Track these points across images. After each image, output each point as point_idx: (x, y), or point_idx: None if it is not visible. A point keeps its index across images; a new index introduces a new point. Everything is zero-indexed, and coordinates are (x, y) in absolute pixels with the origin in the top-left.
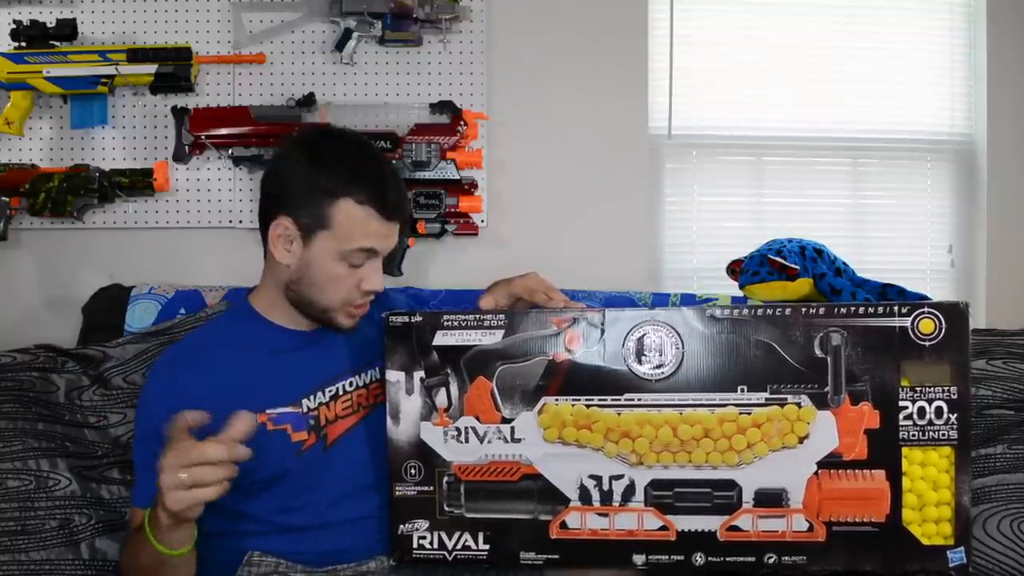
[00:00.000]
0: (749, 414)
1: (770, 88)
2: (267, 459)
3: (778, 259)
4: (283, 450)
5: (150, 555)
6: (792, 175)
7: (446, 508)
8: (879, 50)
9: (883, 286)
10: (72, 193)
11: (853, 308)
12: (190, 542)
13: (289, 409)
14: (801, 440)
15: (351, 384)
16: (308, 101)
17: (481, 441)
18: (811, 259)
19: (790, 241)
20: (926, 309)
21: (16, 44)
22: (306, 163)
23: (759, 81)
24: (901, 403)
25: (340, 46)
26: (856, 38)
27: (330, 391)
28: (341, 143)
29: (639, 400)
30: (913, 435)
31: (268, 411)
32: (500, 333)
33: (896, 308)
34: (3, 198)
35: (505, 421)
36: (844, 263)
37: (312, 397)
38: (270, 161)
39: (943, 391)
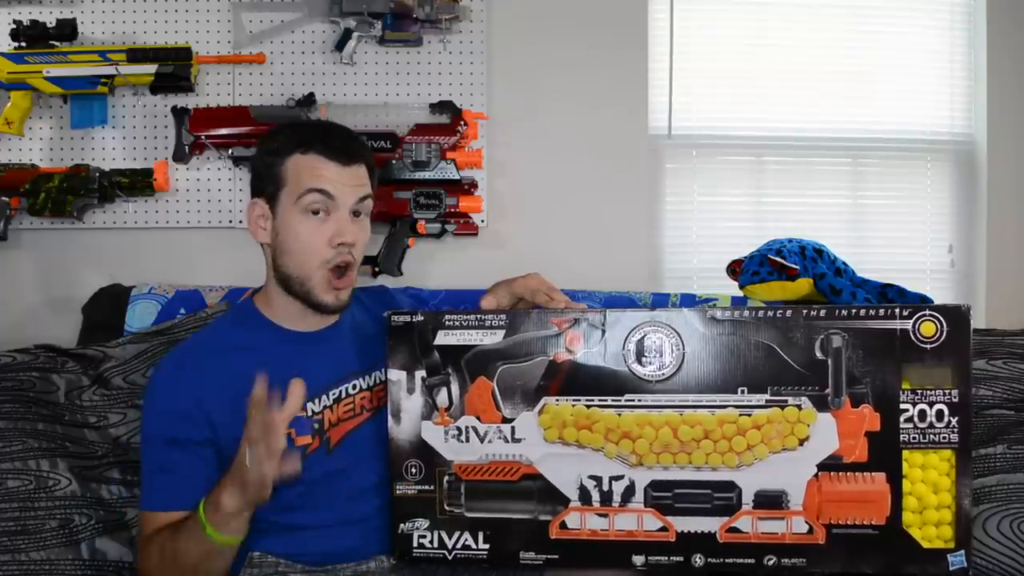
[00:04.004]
0: (749, 416)
1: (770, 88)
2: None
3: (778, 259)
4: (287, 454)
5: (201, 546)
6: (792, 175)
7: (446, 507)
8: (879, 50)
9: (883, 286)
10: (72, 193)
11: (854, 310)
12: (245, 530)
13: None
14: (801, 442)
15: (355, 387)
16: (308, 101)
17: (482, 441)
18: (811, 259)
19: (790, 241)
20: (927, 312)
21: (16, 44)
22: (262, 145)
23: (759, 81)
24: (902, 406)
25: (340, 46)
26: (856, 38)
27: (334, 394)
28: (291, 122)
29: (639, 401)
30: (914, 438)
31: None
32: (501, 333)
33: (897, 310)
34: (3, 198)
35: (506, 421)
36: (844, 263)
37: (317, 401)
38: None
39: (944, 394)
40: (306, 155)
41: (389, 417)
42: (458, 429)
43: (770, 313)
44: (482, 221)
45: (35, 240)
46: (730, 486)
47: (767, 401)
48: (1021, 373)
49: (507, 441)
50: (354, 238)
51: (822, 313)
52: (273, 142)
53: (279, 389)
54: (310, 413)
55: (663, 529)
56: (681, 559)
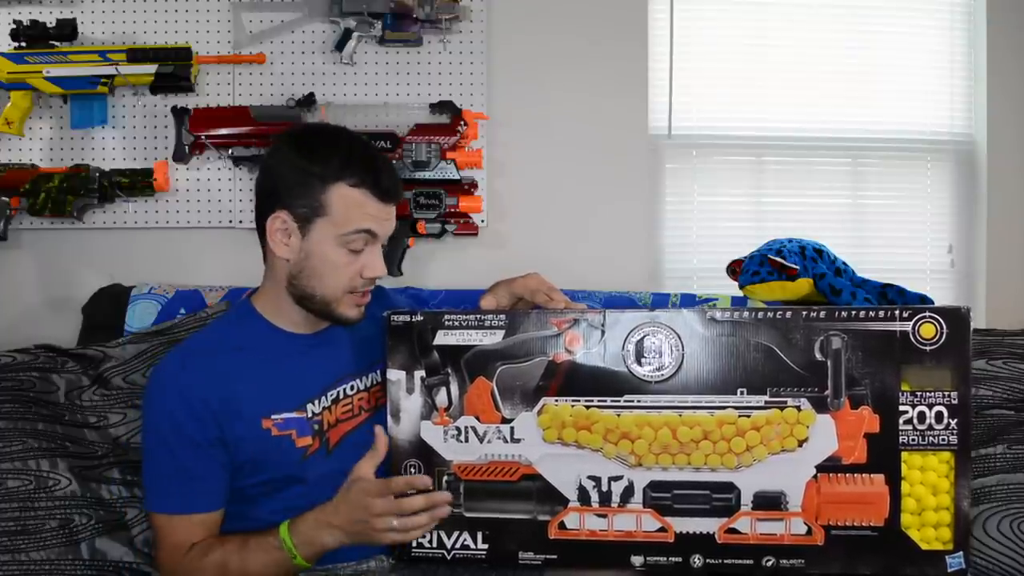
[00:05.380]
0: (748, 417)
1: (770, 88)
2: (273, 465)
3: (778, 259)
4: (289, 455)
5: (281, 569)
6: (792, 175)
7: None
8: (879, 50)
9: (883, 286)
10: (72, 193)
11: (854, 312)
12: None
13: (294, 414)
14: (800, 443)
15: (352, 388)
16: (308, 101)
17: (481, 441)
18: (811, 259)
19: (790, 241)
20: (927, 313)
21: (16, 44)
22: (296, 155)
23: (759, 81)
24: (901, 407)
25: (340, 46)
26: (856, 38)
27: (332, 395)
28: (328, 133)
29: (639, 401)
30: (913, 440)
31: (273, 416)
32: (501, 333)
33: (897, 312)
34: (3, 198)
35: (505, 421)
36: (844, 263)
37: (316, 402)
38: (262, 160)
39: (943, 396)
40: (355, 190)
41: (388, 417)
42: (457, 429)
43: (770, 314)
44: (482, 221)
45: (35, 240)
46: (729, 487)
47: (766, 402)
48: (1021, 373)
49: (506, 441)
50: (384, 271)
51: (822, 314)
52: (315, 164)
53: (278, 391)
54: (310, 414)
55: (662, 530)
56: (680, 560)
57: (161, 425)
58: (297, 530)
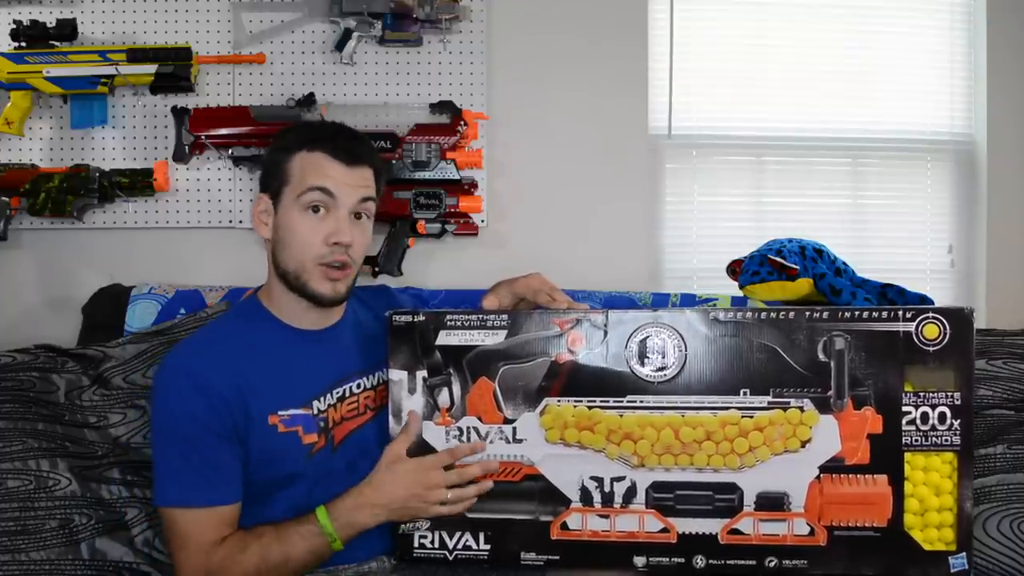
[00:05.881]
0: (751, 417)
1: (770, 88)
2: (279, 461)
3: (778, 259)
4: (295, 452)
5: (317, 555)
6: (792, 175)
7: None
8: (879, 50)
9: (883, 286)
10: (72, 193)
11: (857, 312)
12: None
13: (300, 411)
14: (803, 444)
15: (359, 386)
16: (308, 101)
17: (483, 441)
18: (811, 259)
19: (790, 241)
20: (931, 314)
21: (16, 44)
22: (274, 143)
23: (759, 81)
24: (904, 408)
25: (340, 46)
26: (856, 38)
27: (337, 392)
28: (306, 123)
29: (641, 402)
30: (916, 440)
31: (280, 412)
32: (503, 333)
33: (900, 313)
34: (3, 198)
35: (507, 421)
36: (844, 263)
37: (322, 399)
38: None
39: (947, 396)
40: (312, 153)
41: (390, 417)
42: (459, 430)
43: (773, 315)
44: (482, 221)
45: (35, 240)
46: (732, 488)
47: (769, 403)
48: (1021, 373)
49: (508, 442)
50: (351, 239)
51: (825, 315)
52: (283, 139)
53: (284, 387)
54: (316, 411)
55: (664, 530)
56: (682, 560)
57: (178, 419)
58: (337, 514)
